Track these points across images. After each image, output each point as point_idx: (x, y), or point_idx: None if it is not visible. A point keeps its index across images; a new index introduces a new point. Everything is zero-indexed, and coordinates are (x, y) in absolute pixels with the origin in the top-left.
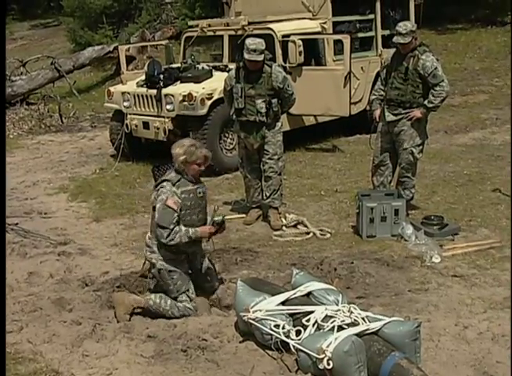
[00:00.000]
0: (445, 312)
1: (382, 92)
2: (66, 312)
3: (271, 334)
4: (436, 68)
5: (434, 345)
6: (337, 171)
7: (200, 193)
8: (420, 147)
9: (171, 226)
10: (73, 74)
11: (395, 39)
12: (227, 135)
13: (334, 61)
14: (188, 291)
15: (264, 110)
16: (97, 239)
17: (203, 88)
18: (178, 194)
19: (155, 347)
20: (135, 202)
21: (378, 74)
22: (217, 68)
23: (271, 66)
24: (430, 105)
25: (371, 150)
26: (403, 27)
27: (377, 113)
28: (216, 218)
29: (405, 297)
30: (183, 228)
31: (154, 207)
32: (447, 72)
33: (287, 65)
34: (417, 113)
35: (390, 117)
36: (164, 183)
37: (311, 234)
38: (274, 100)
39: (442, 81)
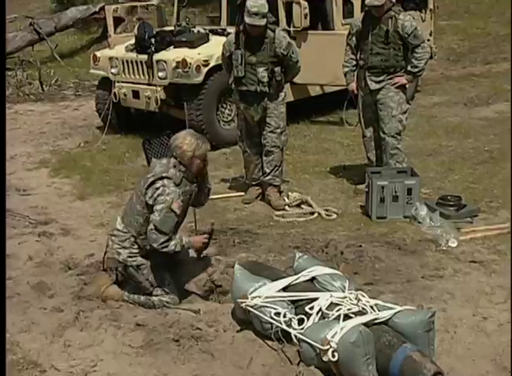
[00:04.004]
0: (462, 301)
1: (355, 63)
2: (46, 298)
3: (271, 323)
4: (416, 28)
5: (450, 336)
6: (344, 146)
7: (193, 193)
8: (406, 115)
9: (170, 233)
10: (54, 36)
11: (369, 2)
12: (225, 105)
13: (343, 25)
14: (163, 284)
15: (266, 80)
16: (81, 218)
17: (199, 54)
18: (180, 196)
19: (144, 336)
20: (124, 178)
21: None
22: (214, 32)
23: (274, 31)
24: (415, 69)
25: (349, 126)
26: None
27: (354, 86)
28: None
29: (418, 284)
30: (178, 236)
31: (147, 203)
32: (468, 37)
33: (291, 29)
34: (402, 79)
35: (373, 86)
36: (165, 181)
37: (315, 214)
38: (277, 68)
39: (423, 41)
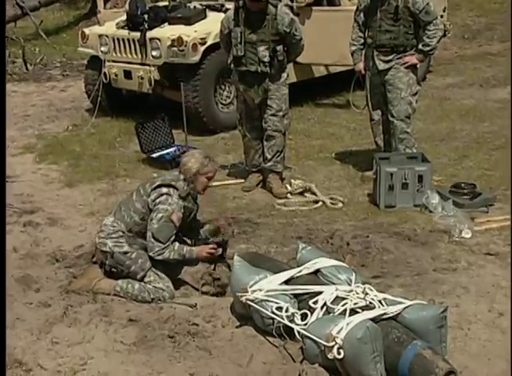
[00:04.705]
0: (477, 295)
1: (363, 41)
2: (32, 293)
3: (272, 318)
4: (428, 3)
5: (464, 333)
6: (351, 130)
7: (193, 212)
8: (416, 97)
9: (167, 243)
10: (39, 11)
11: None
12: (223, 87)
13: (350, 0)
14: (153, 266)
15: (267, 59)
16: (70, 207)
17: (196, 32)
18: (181, 209)
19: (137, 332)
20: (115, 164)
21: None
22: (212, 8)
23: (276, 7)
24: (427, 48)
25: (355, 109)
26: None
27: (361, 65)
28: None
29: (429, 277)
30: (177, 244)
31: (148, 205)
32: (485, 13)
33: (294, 5)
34: (412, 58)
35: (382, 66)
36: (171, 191)
37: (320, 203)
38: (279, 47)
39: (436, 18)
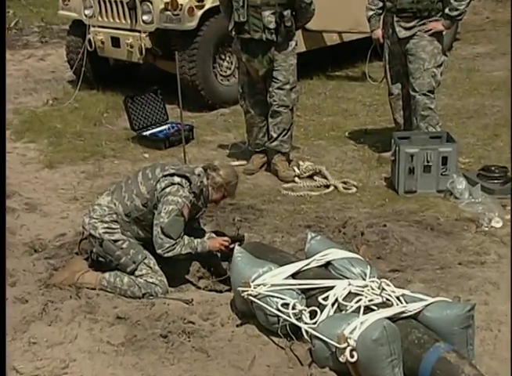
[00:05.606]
0: (508, 292)
1: (381, 5)
2: (7, 287)
3: (277, 316)
4: None
5: (493, 335)
6: (366, 106)
7: (199, 213)
8: (441, 68)
9: (178, 239)
10: None
11: None
12: (223, 56)
13: None
14: (146, 258)
15: (273, 26)
16: (50, 191)
17: None
18: (190, 204)
19: (126, 332)
20: (102, 143)
21: None
22: None
23: None
24: (455, 13)
25: (372, 82)
26: None
27: (379, 33)
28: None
29: (454, 271)
30: (186, 238)
31: (156, 196)
32: None
33: None
34: (438, 24)
35: (402, 33)
36: (184, 182)
37: (331, 188)
38: (286, 12)
39: None
